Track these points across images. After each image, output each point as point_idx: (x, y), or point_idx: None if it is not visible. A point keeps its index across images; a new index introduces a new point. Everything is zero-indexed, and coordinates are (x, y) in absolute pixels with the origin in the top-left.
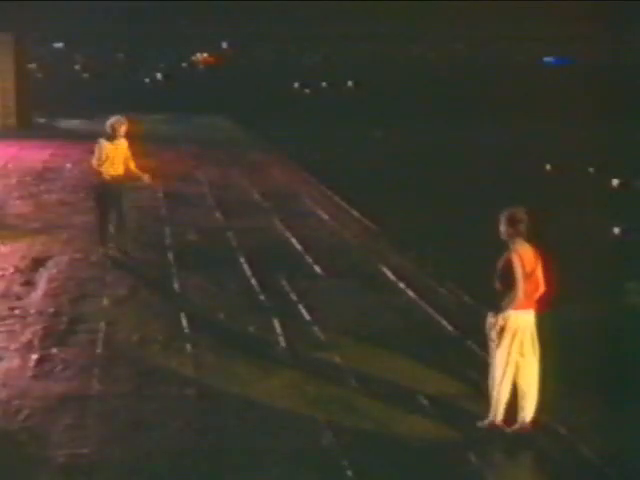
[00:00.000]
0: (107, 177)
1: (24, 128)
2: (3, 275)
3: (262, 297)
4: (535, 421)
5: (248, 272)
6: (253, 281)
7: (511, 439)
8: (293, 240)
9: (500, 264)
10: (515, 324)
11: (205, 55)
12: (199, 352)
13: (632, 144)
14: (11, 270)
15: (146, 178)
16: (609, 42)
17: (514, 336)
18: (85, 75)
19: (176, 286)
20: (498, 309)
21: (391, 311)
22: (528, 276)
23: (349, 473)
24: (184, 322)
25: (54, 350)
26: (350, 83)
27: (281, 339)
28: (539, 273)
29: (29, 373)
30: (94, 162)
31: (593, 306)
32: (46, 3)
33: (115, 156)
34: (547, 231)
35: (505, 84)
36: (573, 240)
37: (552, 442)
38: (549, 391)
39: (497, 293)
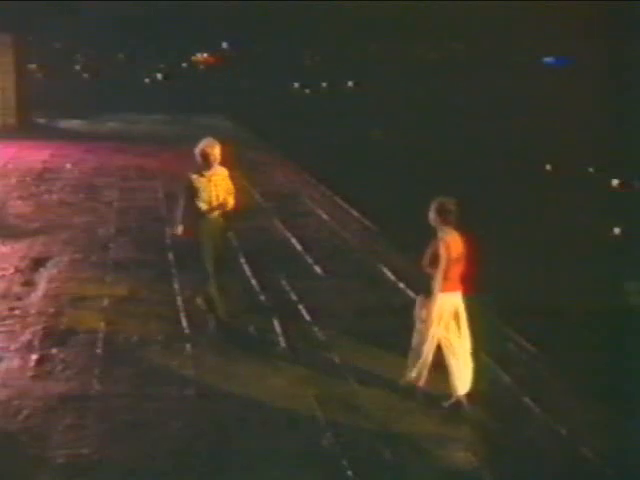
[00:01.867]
0: (207, 219)
1: (24, 128)
2: (3, 275)
3: (262, 297)
4: (471, 394)
5: (248, 272)
6: (253, 281)
7: (510, 438)
8: (293, 240)
9: (429, 250)
10: (441, 305)
11: (205, 55)
12: (199, 352)
13: (632, 144)
14: (11, 270)
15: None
16: (609, 42)
17: (440, 316)
18: (85, 75)
19: (176, 286)
20: (427, 291)
21: (391, 311)
22: (455, 261)
23: (349, 473)
24: (184, 322)
25: (54, 350)
26: (350, 83)
27: (281, 339)
28: (468, 259)
29: (29, 373)
30: (180, 199)
31: (593, 306)
32: (46, 3)
33: (211, 191)
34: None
35: (505, 84)
36: (573, 240)
37: (552, 442)
38: (549, 390)
39: (426, 276)
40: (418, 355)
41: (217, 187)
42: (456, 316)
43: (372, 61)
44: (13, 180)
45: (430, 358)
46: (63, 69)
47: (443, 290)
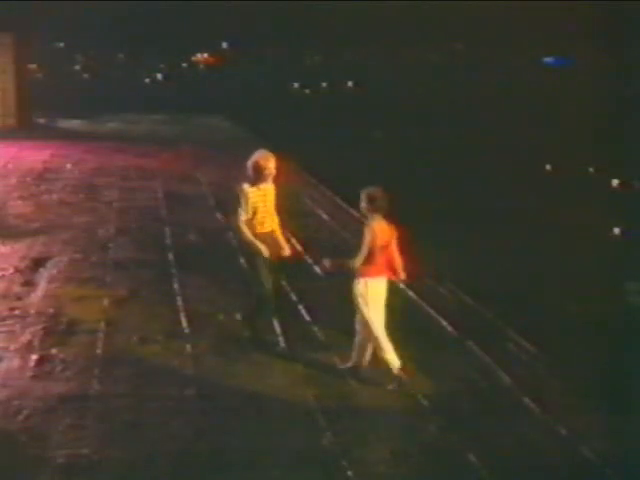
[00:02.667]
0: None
1: (24, 128)
2: (3, 275)
3: None
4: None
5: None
6: None
7: (510, 438)
8: (293, 240)
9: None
10: (372, 289)
11: (205, 55)
12: (199, 352)
13: (632, 144)
14: (11, 270)
15: (285, 249)
16: (609, 42)
17: (373, 298)
18: (85, 75)
19: (176, 286)
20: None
21: (391, 311)
22: (382, 248)
23: (349, 473)
24: (184, 322)
25: (54, 350)
26: (350, 83)
27: (281, 339)
28: (394, 246)
29: (29, 373)
30: (241, 217)
31: (593, 306)
32: (47, 3)
33: (264, 207)
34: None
35: (505, 84)
36: (573, 240)
37: (552, 442)
38: (549, 391)
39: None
40: (380, 345)
41: (269, 204)
42: (380, 299)
43: (372, 61)
44: (13, 180)
45: (387, 339)
46: (63, 69)
47: (370, 275)
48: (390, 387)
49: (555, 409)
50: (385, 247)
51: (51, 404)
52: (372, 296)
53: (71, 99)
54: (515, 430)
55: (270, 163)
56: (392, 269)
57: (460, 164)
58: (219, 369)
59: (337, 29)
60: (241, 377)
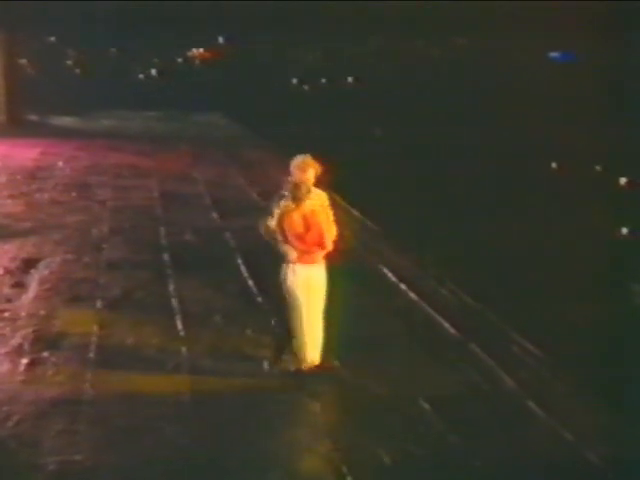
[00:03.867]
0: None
1: (15, 125)
2: None
3: (259, 299)
4: (323, 363)
5: (245, 273)
6: (250, 282)
7: (514, 443)
8: None
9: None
10: (299, 277)
11: (201, 50)
12: (195, 355)
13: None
14: (1, 272)
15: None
16: (617, 37)
17: (300, 288)
18: (77, 71)
19: (171, 287)
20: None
21: (391, 312)
22: (297, 236)
23: (349, 478)
24: (179, 324)
25: (45, 354)
26: (350, 79)
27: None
28: (320, 233)
29: (20, 378)
30: (275, 233)
31: (599, 307)
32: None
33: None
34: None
35: (509, 80)
36: (580, 239)
37: (557, 447)
38: (554, 394)
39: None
40: (296, 336)
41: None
42: (314, 288)
43: (372, 56)
44: (3, 179)
45: (309, 333)
46: (55, 65)
47: (299, 263)
48: (292, 367)
49: (560, 413)
50: (302, 235)
51: (43, 409)
52: (297, 285)
53: (63, 95)
54: (519, 434)
55: (309, 172)
56: (323, 256)
57: (461, 161)
58: (216, 372)
59: (336, 24)
60: (238, 380)
